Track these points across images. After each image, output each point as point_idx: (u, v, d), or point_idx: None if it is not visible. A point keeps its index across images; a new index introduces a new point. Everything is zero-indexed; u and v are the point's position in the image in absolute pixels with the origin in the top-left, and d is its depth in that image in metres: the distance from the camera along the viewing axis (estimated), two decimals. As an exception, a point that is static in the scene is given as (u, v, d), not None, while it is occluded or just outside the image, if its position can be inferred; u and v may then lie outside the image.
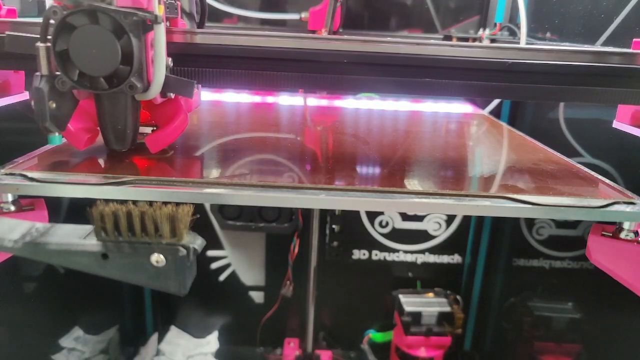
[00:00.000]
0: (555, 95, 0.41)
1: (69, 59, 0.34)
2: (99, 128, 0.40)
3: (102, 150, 0.43)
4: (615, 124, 0.48)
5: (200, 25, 0.50)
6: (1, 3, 0.42)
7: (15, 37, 0.35)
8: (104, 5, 0.33)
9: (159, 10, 0.35)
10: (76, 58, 0.34)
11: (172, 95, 0.41)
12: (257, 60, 0.39)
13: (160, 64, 0.36)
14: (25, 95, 0.46)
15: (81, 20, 0.33)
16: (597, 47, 0.47)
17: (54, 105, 0.35)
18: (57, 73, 0.34)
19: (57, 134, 0.36)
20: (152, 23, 0.34)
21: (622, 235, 0.38)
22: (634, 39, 0.45)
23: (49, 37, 0.34)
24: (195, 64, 0.39)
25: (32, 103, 0.34)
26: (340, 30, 0.84)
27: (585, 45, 0.66)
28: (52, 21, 0.33)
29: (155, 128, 0.43)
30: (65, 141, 0.45)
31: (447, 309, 0.92)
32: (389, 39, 0.40)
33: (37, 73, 0.34)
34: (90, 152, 0.43)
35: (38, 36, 0.34)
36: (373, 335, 1.02)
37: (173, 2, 0.41)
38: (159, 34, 0.35)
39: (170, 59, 0.37)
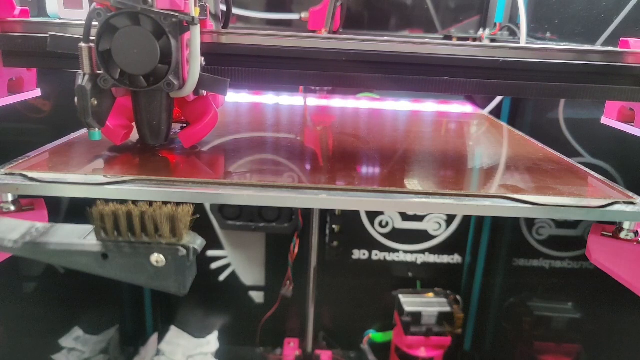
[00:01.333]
0: (546, 92, 0.42)
1: (111, 58, 0.36)
2: (133, 124, 0.42)
3: (104, 150, 0.43)
4: (603, 120, 0.49)
5: (225, 26, 0.51)
6: (15, 3, 0.43)
7: (58, 38, 0.37)
8: (147, 8, 0.35)
9: (195, 12, 0.37)
10: (118, 57, 0.36)
11: (204, 93, 0.43)
12: (285, 60, 0.41)
13: (195, 63, 0.38)
14: (37, 92, 0.47)
15: (124, 22, 0.35)
16: (585, 46, 0.49)
17: (95, 102, 0.37)
18: (98, 72, 0.36)
19: (97, 129, 0.38)
20: (189, 24, 0.36)
21: (622, 235, 0.38)
22: (621, 38, 0.45)
23: (92, 37, 0.35)
24: (224, 63, 0.41)
25: (75, 100, 0.36)
26: (341, 31, 0.84)
27: (585, 45, 0.66)
28: (94, 23, 0.35)
29: (184, 125, 0.44)
30: (68, 139, 0.46)
31: (447, 309, 0.92)
32: (391, 37, 0.42)
33: (79, 72, 0.36)
34: (91, 152, 0.43)
35: (80, 37, 0.36)
36: (373, 335, 1.02)
37: (203, 4, 0.43)
38: (195, 35, 0.37)
39: (202, 58, 0.39)
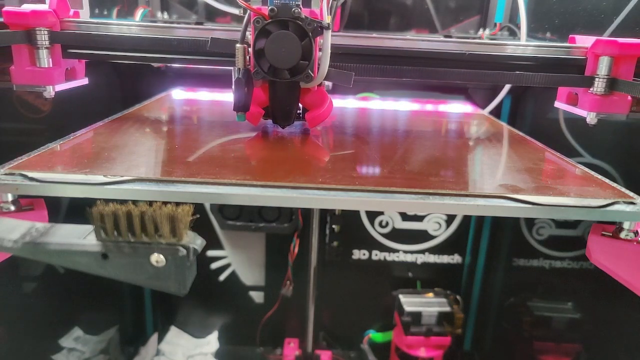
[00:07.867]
0: (507, 80, 0.51)
1: (264, 55, 0.44)
2: (262, 110, 0.51)
3: (102, 149, 0.43)
4: (556, 104, 0.56)
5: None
6: (69, 5, 0.49)
7: (217, 40, 0.46)
8: (296, 16, 0.43)
9: (328, 19, 0.45)
10: (269, 55, 0.44)
11: (326, 84, 0.52)
12: (387, 58, 0.50)
13: (326, 59, 0.46)
14: (85, 81, 0.54)
15: (276, 27, 0.44)
16: (542, 43, 0.58)
17: (246, 90, 0.45)
18: (247, 66, 0.45)
19: (244, 113, 0.47)
20: (323, 29, 0.44)
21: (622, 235, 0.38)
22: (570, 35, 0.54)
23: (246, 40, 0.45)
24: (336, 59, 0.49)
25: (233, 89, 0.46)
26: (341, 31, 0.84)
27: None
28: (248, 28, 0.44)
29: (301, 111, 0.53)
30: (68, 139, 0.46)
31: (447, 309, 0.92)
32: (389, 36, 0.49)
33: (235, 67, 0.45)
34: (89, 151, 0.43)
35: (236, 40, 0.45)
36: (373, 335, 1.02)
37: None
38: (327, 37, 0.45)
39: None
